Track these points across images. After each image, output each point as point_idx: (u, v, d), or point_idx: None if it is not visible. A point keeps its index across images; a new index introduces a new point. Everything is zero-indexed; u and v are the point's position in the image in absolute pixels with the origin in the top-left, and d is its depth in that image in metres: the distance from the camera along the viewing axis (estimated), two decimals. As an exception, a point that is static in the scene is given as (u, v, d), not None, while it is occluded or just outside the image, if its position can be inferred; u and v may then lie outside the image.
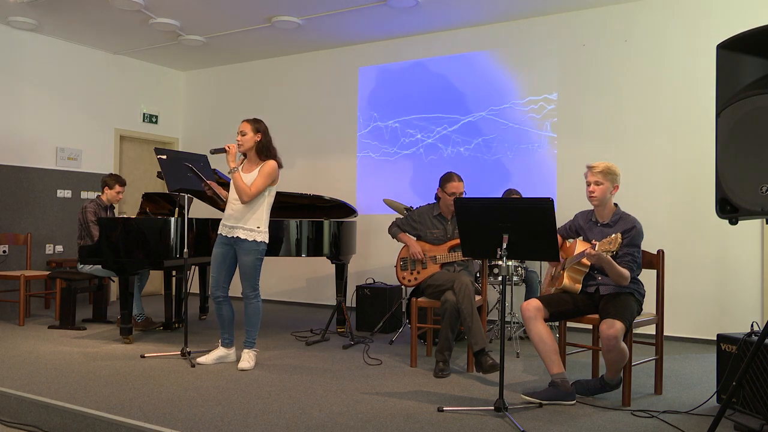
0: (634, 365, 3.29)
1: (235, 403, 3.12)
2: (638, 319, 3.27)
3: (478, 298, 3.93)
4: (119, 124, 7.33)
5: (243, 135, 3.86)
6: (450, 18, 5.88)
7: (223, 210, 4.09)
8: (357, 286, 5.51)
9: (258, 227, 3.85)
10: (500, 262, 3.00)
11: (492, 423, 2.86)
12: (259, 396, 3.27)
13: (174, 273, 5.26)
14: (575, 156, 5.47)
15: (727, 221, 2.37)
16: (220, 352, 4.05)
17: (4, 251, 6.22)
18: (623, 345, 3.04)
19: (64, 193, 6.73)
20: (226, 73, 7.75)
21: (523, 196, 5.11)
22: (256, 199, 3.84)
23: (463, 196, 4.14)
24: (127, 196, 7.12)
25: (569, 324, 3.58)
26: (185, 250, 4.22)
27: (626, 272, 3.19)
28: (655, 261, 3.44)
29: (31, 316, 5.84)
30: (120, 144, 7.37)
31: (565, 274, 3.36)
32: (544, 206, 2.88)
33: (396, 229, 4.36)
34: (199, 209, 6.38)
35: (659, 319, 3.44)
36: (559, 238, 3.52)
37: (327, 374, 3.78)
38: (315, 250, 4.93)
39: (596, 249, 3.03)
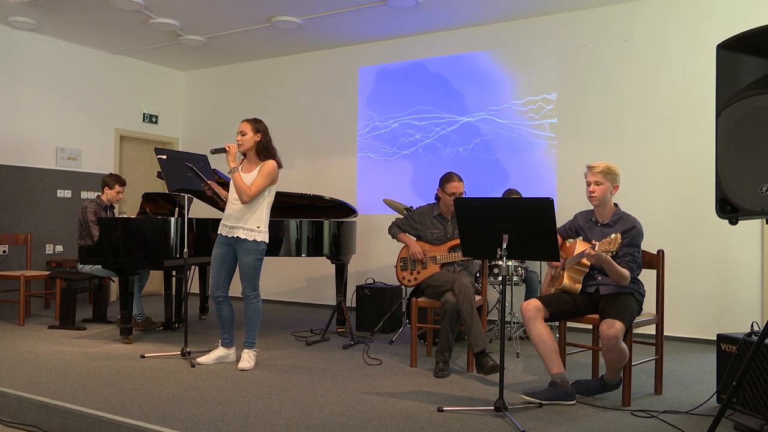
0: (634, 365, 3.29)
1: (235, 403, 3.12)
2: (638, 319, 3.27)
3: (478, 298, 3.92)
4: (119, 124, 7.33)
5: (243, 135, 3.86)
6: (450, 18, 5.88)
7: (223, 210, 4.09)
8: (357, 286, 5.51)
9: (258, 227, 3.85)
10: (500, 262, 3.00)
11: (492, 423, 2.86)
12: (259, 396, 3.27)
13: (174, 273, 5.26)
14: (575, 156, 5.47)
15: (727, 221, 2.37)
16: (220, 352, 4.05)
17: (4, 251, 6.22)
18: (623, 345, 3.04)
19: (64, 193, 6.73)
20: (226, 73, 7.75)
21: (523, 196, 5.11)
22: (256, 199, 3.84)
23: (463, 196, 4.14)
24: (127, 196, 7.12)
25: (569, 324, 3.58)
26: (185, 250, 4.22)
27: (626, 272, 3.19)
28: (655, 261, 3.44)
29: (31, 316, 5.84)
30: (120, 144, 7.37)
31: (565, 274, 3.36)
32: (544, 206, 2.88)
33: (396, 230, 4.36)
34: (199, 209, 6.38)
35: (659, 319, 3.44)
36: (559, 238, 3.52)
37: (327, 374, 3.78)
38: (315, 250, 4.93)
39: (596, 249, 3.03)
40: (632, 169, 5.19)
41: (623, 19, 5.38)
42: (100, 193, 5.34)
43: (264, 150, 3.88)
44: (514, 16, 5.77)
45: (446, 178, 4.20)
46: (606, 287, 3.32)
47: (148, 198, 5.42)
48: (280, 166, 3.91)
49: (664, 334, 3.57)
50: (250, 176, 3.83)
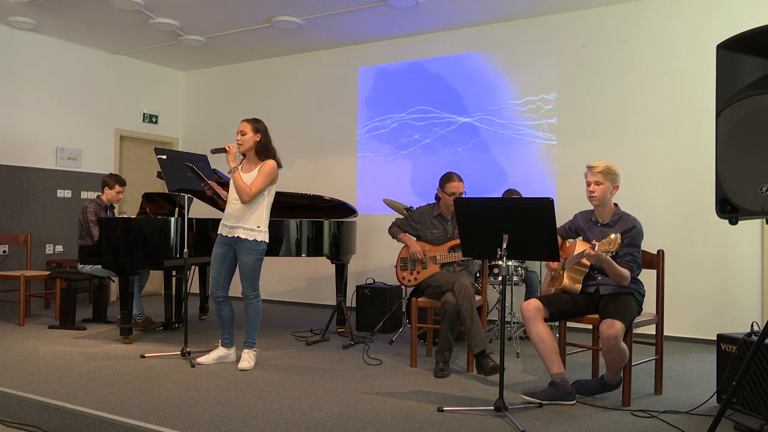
0: (634, 365, 3.29)
1: (235, 403, 3.12)
2: (638, 319, 3.27)
3: (478, 298, 3.92)
4: (119, 124, 7.33)
5: (243, 135, 3.86)
6: (450, 18, 5.88)
7: (223, 210, 4.09)
8: (357, 286, 5.51)
9: (258, 227, 3.85)
10: (500, 262, 3.00)
11: (492, 423, 2.86)
12: (259, 396, 3.27)
13: (174, 273, 5.26)
14: (575, 156, 5.47)
15: (727, 221, 2.37)
16: (220, 352, 4.05)
17: (4, 251, 6.22)
18: (623, 345, 3.04)
19: (64, 193, 6.73)
20: (226, 73, 7.75)
21: (523, 196, 5.11)
22: (256, 199, 3.84)
23: (463, 196, 4.14)
24: (127, 196, 7.12)
25: (569, 324, 3.58)
26: (185, 250, 4.22)
27: (626, 272, 3.19)
28: (655, 261, 3.44)
29: (31, 316, 5.84)
30: (120, 144, 7.37)
31: (564, 275, 3.36)
32: (544, 206, 2.88)
33: (396, 230, 4.36)
34: (199, 209, 6.37)
35: (659, 319, 3.44)
36: (559, 239, 3.52)
37: (327, 374, 3.78)
38: (315, 250, 4.93)
39: (596, 249, 3.03)
40: (632, 169, 5.19)
41: (623, 19, 5.38)
42: (100, 193, 5.34)
43: (264, 150, 3.88)
44: (514, 16, 5.77)
45: (446, 178, 4.20)
46: (606, 287, 3.32)
47: (148, 198, 5.42)
48: (279, 165, 3.91)
49: (664, 334, 3.57)
50: (249, 176, 3.83)
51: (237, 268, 3.97)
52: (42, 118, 6.54)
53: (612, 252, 3.01)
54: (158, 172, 4.34)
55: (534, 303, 3.24)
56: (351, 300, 5.75)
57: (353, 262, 6.25)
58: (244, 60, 7.49)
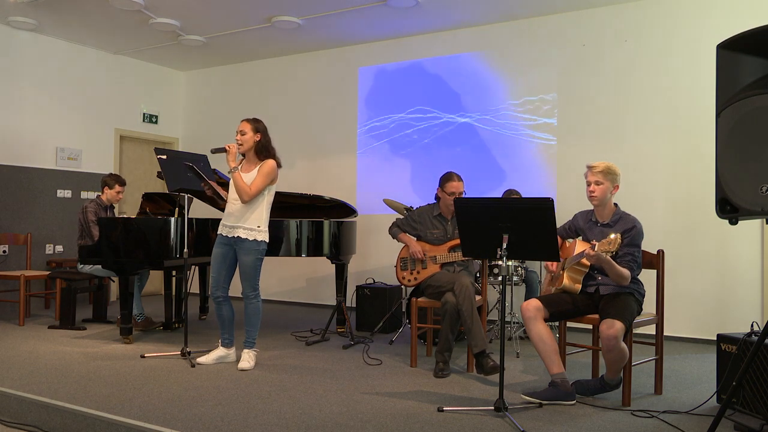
0: (634, 365, 3.28)
1: (235, 403, 3.12)
2: (638, 319, 3.27)
3: (478, 298, 3.92)
4: (119, 124, 7.33)
5: (243, 134, 3.86)
6: (450, 18, 5.88)
7: (223, 210, 4.09)
8: (357, 286, 5.51)
9: (258, 226, 3.85)
10: (500, 262, 3.00)
11: (492, 423, 2.86)
12: (259, 396, 3.27)
13: (174, 273, 5.26)
14: (575, 156, 5.47)
15: (727, 221, 2.37)
16: (220, 352, 4.05)
17: (4, 251, 6.22)
18: (623, 345, 3.04)
19: (64, 193, 6.73)
20: (226, 73, 7.75)
21: (523, 196, 5.11)
22: (256, 199, 3.84)
23: (463, 195, 4.14)
24: (127, 196, 7.13)
25: (569, 324, 3.58)
26: (185, 250, 4.22)
27: (626, 272, 3.19)
28: (655, 261, 3.44)
29: (31, 316, 5.84)
30: (120, 144, 7.37)
31: (564, 275, 3.36)
32: (544, 206, 2.88)
33: (396, 230, 4.36)
34: (199, 209, 6.37)
35: (659, 319, 3.44)
36: (558, 239, 3.52)
37: (327, 374, 3.78)
38: (315, 250, 4.93)
39: (596, 249, 3.03)
40: (632, 169, 5.19)
41: (623, 19, 5.38)
42: (99, 193, 5.34)
43: (263, 150, 3.88)
44: (514, 16, 5.77)
45: (446, 178, 4.20)
46: (606, 287, 3.32)
47: (148, 198, 5.42)
48: (279, 165, 3.91)
49: (664, 334, 3.57)
50: (249, 176, 3.83)
51: (237, 268, 3.97)
52: (42, 118, 6.54)
53: (612, 252, 3.01)
54: (158, 172, 4.34)
55: (534, 303, 3.24)
56: (351, 300, 5.75)
57: (353, 262, 6.25)
58: (244, 60, 7.49)
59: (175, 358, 4.14)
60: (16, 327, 5.30)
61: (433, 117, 6.29)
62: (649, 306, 3.47)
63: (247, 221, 3.83)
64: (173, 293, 5.29)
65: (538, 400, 3.13)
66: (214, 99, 7.85)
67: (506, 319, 4.87)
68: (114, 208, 5.43)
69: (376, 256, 6.48)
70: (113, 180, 5.33)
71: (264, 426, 2.78)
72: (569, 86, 5.60)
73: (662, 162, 5.19)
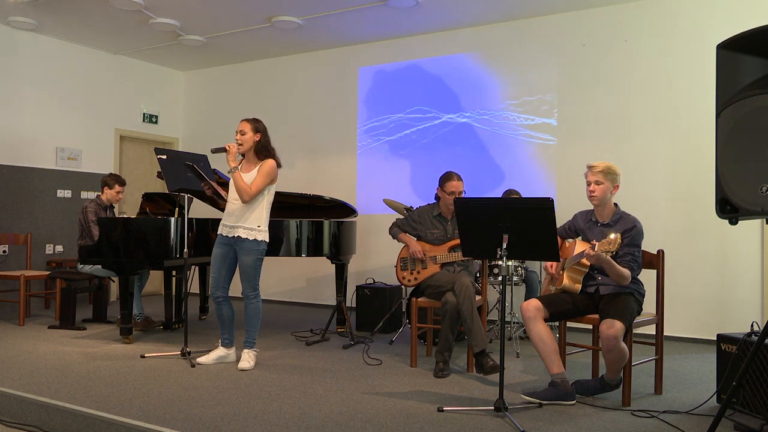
0: (634, 365, 3.28)
1: (235, 403, 3.12)
2: (638, 319, 3.27)
3: (478, 298, 3.92)
4: (119, 124, 7.33)
5: (242, 134, 3.86)
6: (450, 18, 5.88)
7: (223, 210, 4.09)
8: (357, 286, 5.51)
9: (258, 226, 3.85)
10: (500, 262, 3.00)
11: (492, 423, 2.86)
12: (259, 396, 3.27)
13: (174, 273, 5.26)
14: (575, 156, 5.47)
15: (727, 221, 2.37)
16: (220, 352, 4.05)
17: (4, 251, 6.22)
18: (623, 345, 3.04)
19: (64, 193, 6.73)
20: (226, 73, 7.75)
21: (523, 196, 5.11)
22: (256, 198, 3.84)
23: (463, 195, 4.14)
24: (127, 196, 7.13)
25: (569, 324, 3.58)
26: (185, 250, 4.22)
27: (626, 272, 3.19)
28: (655, 261, 3.44)
29: (31, 316, 5.84)
30: (120, 144, 7.37)
31: (564, 275, 3.36)
32: (544, 206, 2.88)
33: (396, 230, 4.37)
34: (199, 209, 6.38)
35: (659, 319, 3.44)
36: (558, 239, 3.52)
37: (327, 374, 3.78)
38: (315, 250, 4.93)
39: (596, 249, 3.03)
40: (632, 169, 5.19)
41: (623, 19, 5.38)
42: (99, 193, 5.34)
43: (263, 150, 3.88)
44: (514, 16, 5.77)
45: (446, 177, 4.20)
46: (606, 287, 3.32)
47: (148, 198, 5.42)
48: (279, 165, 3.91)
49: (664, 334, 3.57)
50: (249, 176, 3.84)
51: (237, 268, 3.97)
52: (42, 118, 6.54)
53: (612, 252, 3.01)
54: (158, 172, 4.33)
55: (534, 303, 3.24)
56: (351, 300, 5.75)
57: (353, 262, 6.25)
58: (244, 60, 7.49)
59: (175, 358, 4.14)
60: (16, 327, 5.30)
61: (432, 117, 6.29)
62: (649, 306, 3.47)
63: (248, 221, 3.83)
64: (173, 293, 5.29)
65: (538, 400, 3.13)
66: (214, 99, 7.85)
67: (506, 319, 4.87)
68: (114, 208, 5.43)
69: (376, 256, 6.48)
70: (113, 180, 5.33)
71: (264, 426, 2.78)
72: (569, 86, 5.60)
73: (662, 162, 5.19)
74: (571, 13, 5.61)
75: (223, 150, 3.89)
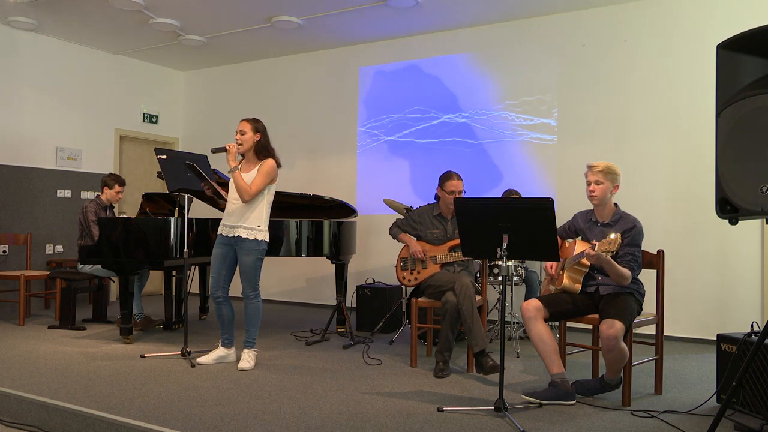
0: (634, 365, 3.28)
1: (235, 403, 3.12)
2: (638, 319, 3.27)
3: (478, 298, 3.92)
4: (119, 124, 7.33)
5: (242, 134, 3.87)
6: (450, 18, 5.88)
7: (223, 210, 4.09)
8: (357, 286, 5.51)
9: (258, 225, 3.85)
10: (500, 262, 3.00)
11: (492, 423, 2.86)
12: (259, 396, 3.27)
13: (174, 273, 5.26)
14: (575, 156, 5.47)
15: (727, 221, 2.37)
16: (220, 352, 4.05)
17: (4, 251, 6.22)
18: (623, 345, 3.04)
19: (64, 193, 6.73)
20: (226, 73, 7.75)
21: (523, 196, 5.11)
22: (256, 198, 3.84)
23: (463, 195, 4.14)
24: (127, 196, 7.13)
25: (569, 324, 3.58)
26: (185, 250, 4.22)
27: (626, 272, 3.19)
28: (655, 261, 3.44)
29: (31, 316, 5.84)
30: (120, 144, 7.37)
31: (564, 275, 3.36)
32: (544, 206, 2.88)
33: (396, 230, 4.37)
34: (199, 209, 6.38)
35: (659, 319, 3.44)
36: (558, 239, 3.52)
37: (327, 374, 3.78)
38: (315, 250, 4.93)
39: (596, 249, 3.03)
40: (632, 169, 5.19)
41: (623, 19, 5.38)
42: (99, 193, 5.34)
43: (263, 149, 3.88)
44: (514, 16, 5.77)
45: (445, 177, 4.20)
46: (606, 287, 3.32)
47: (148, 198, 5.42)
48: (278, 165, 3.92)
49: (664, 334, 3.57)
50: (249, 176, 3.84)
51: (237, 268, 3.97)
52: (42, 118, 6.54)
53: (612, 252, 3.01)
54: (158, 172, 4.33)
55: (534, 303, 3.24)
56: (351, 300, 5.74)
57: (353, 262, 6.25)
58: (244, 60, 7.49)
59: (175, 358, 4.14)
60: (16, 327, 5.30)
61: (431, 117, 6.29)
62: (649, 306, 3.47)
63: (248, 221, 3.83)
64: (173, 293, 5.29)
65: (538, 400, 3.13)
66: (214, 99, 7.85)
67: (506, 319, 4.87)
68: (114, 208, 5.43)
69: (376, 256, 6.48)
70: (113, 180, 5.33)
71: (264, 426, 2.78)
72: (569, 86, 5.60)
73: (662, 162, 5.19)
74: (571, 13, 5.61)
75: (223, 150, 3.89)
